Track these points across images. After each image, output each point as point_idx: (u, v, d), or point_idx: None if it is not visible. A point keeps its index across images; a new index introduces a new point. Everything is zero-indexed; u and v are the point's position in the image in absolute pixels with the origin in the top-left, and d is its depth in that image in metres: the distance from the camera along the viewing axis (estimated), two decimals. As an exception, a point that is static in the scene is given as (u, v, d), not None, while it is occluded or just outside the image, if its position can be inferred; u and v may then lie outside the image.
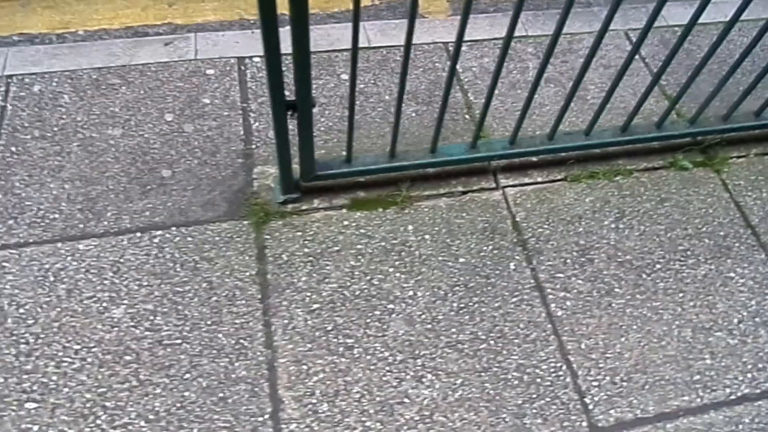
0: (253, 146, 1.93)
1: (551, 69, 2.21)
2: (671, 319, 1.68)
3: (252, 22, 2.41)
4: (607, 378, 1.58)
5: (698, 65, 1.66)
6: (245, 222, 1.76)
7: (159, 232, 1.72)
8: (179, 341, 1.55)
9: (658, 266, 1.78)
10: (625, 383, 1.57)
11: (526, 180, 1.92)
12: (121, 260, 1.66)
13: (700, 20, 1.50)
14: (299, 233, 1.75)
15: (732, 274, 1.78)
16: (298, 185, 1.77)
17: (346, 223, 1.79)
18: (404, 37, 1.40)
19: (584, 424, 1.50)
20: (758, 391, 1.58)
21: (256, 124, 1.98)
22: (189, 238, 1.72)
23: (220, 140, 1.93)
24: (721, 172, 2.00)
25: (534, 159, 1.94)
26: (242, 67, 2.12)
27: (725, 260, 1.81)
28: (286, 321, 1.60)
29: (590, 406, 1.53)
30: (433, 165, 1.81)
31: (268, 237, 1.73)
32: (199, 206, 1.78)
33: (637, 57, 2.16)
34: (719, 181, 1.98)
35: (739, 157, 2.05)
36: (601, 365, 1.59)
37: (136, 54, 2.11)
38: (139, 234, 1.71)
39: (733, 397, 1.57)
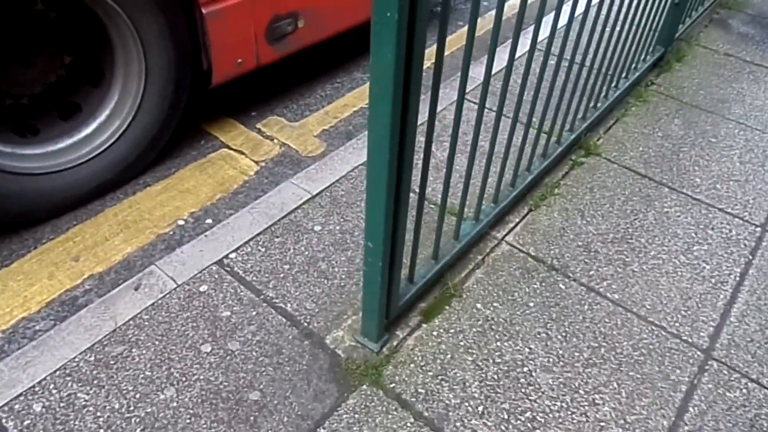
0: (304, 324, 1.91)
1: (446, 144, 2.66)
2: (667, 258, 2.22)
3: (171, 233, 2.33)
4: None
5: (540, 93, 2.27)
6: (364, 387, 1.75)
7: (303, 448, 1.61)
8: None
9: (630, 229, 2.32)
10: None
11: (510, 225, 2.30)
12: (297, 496, 1.51)
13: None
14: (413, 365, 1.81)
15: (666, 210, 2.42)
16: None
17: (435, 334, 1.91)
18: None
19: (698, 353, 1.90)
20: (742, 267, 2.19)
21: (288, 305, 1.96)
22: (334, 431, 1.64)
23: (273, 337, 1.86)
24: (600, 154, 2.67)
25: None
26: (228, 268, 2.07)
27: (654, 203, 2.44)
28: (474, 436, 1.66)
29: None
30: (461, 249, 2.06)
31: (393, 385, 1.76)
32: (312, 402, 1.71)
33: (489, 109, 2.75)
34: (603, 159, 2.65)
35: (599, 139, 2.76)
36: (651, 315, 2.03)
37: (116, 314, 1.89)
38: (287, 463, 1.57)
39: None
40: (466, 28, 3.71)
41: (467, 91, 2.93)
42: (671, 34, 3.17)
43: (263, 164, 2.69)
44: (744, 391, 1.81)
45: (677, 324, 1.99)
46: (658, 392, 1.79)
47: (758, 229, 2.37)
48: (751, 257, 2.25)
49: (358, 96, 3.17)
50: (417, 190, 2.06)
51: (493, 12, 1.86)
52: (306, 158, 2.73)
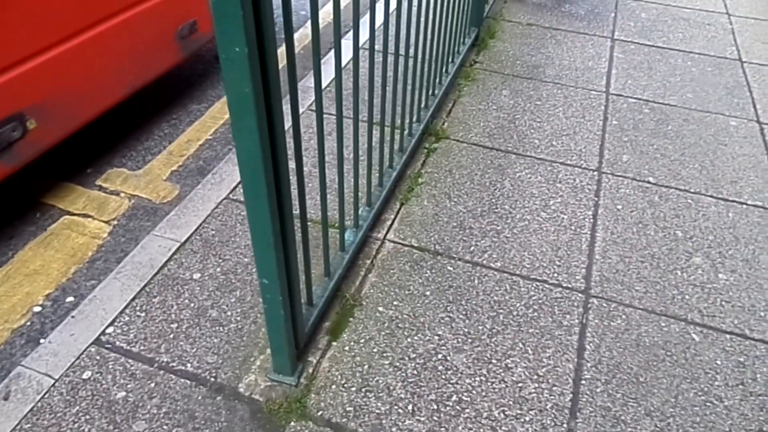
0: (211, 379, 1.80)
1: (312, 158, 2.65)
2: (531, 217, 2.41)
3: (29, 324, 2.07)
4: (554, 268, 2.20)
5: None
6: (292, 423, 1.69)
7: (247, 508, 1.52)
8: None
9: (493, 200, 2.48)
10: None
11: (388, 223, 2.35)
12: None
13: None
14: (334, 386, 1.79)
15: (519, 174, 2.63)
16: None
17: (347, 349, 1.90)
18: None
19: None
20: (592, 209, 2.46)
21: (187, 365, 1.83)
22: (275, 481, 1.57)
23: (181, 404, 1.73)
24: (449, 137, 2.83)
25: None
26: (108, 345, 1.88)
27: (507, 171, 2.64)
28: (411, 436, 1.68)
29: (569, 286, 2.13)
30: (350, 259, 2.06)
31: (320, 413, 1.72)
32: (243, 457, 1.62)
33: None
34: (453, 141, 2.81)
35: (444, 123, 2.92)
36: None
37: (-12, 434, 1.63)
38: None
39: (591, 221, 2.40)
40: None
41: (309, 104, 2.94)
42: (480, 14, 3.44)
43: (115, 223, 2.48)
44: (624, 317, 2.03)
45: (555, 274, 2.18)
46: (558, 340, 1.95)
47: (595, 173, 2.67)
48: (596, 199, 2.52)
49: (200, 129, 3.03)
50: (296, 212, 2.03)
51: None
52: (162, 206, 2.56)
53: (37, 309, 2.12)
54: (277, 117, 1.24)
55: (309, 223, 2.32)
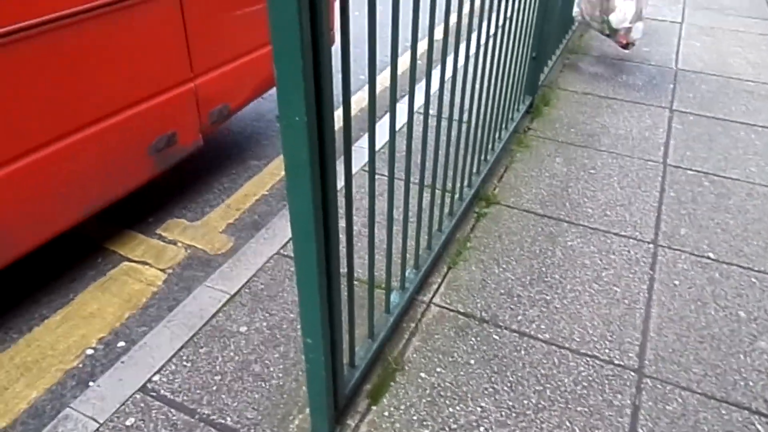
0: (250, 435, 1.79)
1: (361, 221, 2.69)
2: (582, 288, 2.35)
3: (81, 366, 2.13)
4: (606, 343, 2.12)
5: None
6: (326, 488, 1.65)
7: None
8: None
9: (543, 268, 2.44)
10: (614, 337, 2.14)
11: (434, 286, 2.34)
12: None
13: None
14: (371, 452, 1.75)
15: (570, 243, 2.58)
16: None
17: (386, 414, 1.86)
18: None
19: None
20: (647, 283, 2.37)
21: (227, 419, 1.83)
22: None
23: (218, 458, 1.73)
24: (500, 202, 2.82)
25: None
26: (153, 393, 1.91)
27: (558, 239, 2.60)
28: None
29: (621, 364, 2.04)
30: (395, 321, 2.05)
31: (356, 479, 1.68)
32: None
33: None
34: (504, 206, 2.80)
35: (495, 188, 2.92)
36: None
37: (32, 475, 1.67)
38: None
39: (646, 296, 2.31)
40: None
41: (362, 164, 3.01)
42: (535, 83, 3.48)
43: (170, 271, 2.56)
44: (680, 401, 1.92)
45: (607, 350, 2.09)
46: (607, 421, 1.85)
47: (651, 245, 2.59)
48: (652, 272, 2.44)
49: (257, 184, 3.14)
50: (343, 271, 2.05)
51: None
52: (216, 257, 2.64)
53: (90, 352, 2.19)
54: (330, 179, 1.28)
55: (355, 283, 2.33)
